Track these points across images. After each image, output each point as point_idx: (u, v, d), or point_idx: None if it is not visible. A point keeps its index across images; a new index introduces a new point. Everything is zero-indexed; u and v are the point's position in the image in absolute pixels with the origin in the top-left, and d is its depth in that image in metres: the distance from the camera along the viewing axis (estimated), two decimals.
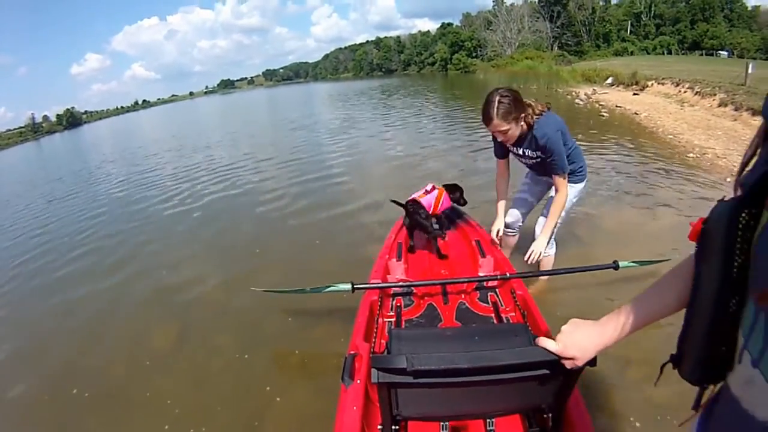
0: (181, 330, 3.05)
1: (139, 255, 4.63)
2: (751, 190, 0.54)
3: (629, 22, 46.21)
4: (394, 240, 2.79)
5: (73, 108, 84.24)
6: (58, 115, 79.33)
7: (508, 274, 2.20)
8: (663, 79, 14.43)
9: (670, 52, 40.06)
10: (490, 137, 2.61)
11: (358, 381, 1.45)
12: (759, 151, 0.54)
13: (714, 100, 9.88)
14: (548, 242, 2.60)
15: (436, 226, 2.86)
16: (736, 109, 8.61)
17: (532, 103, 2.30)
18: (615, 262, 2.46)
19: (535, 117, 2.28)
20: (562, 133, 2.31)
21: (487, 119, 2.22)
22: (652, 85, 14.64)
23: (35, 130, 70.92)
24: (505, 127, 2.21)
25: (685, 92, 11.90)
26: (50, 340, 3.26)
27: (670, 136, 7.43)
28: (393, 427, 1.15)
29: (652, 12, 45.11)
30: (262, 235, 4.70)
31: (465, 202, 2.96)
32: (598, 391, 1.98)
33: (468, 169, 6.27)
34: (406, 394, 1.05)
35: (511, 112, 2.17)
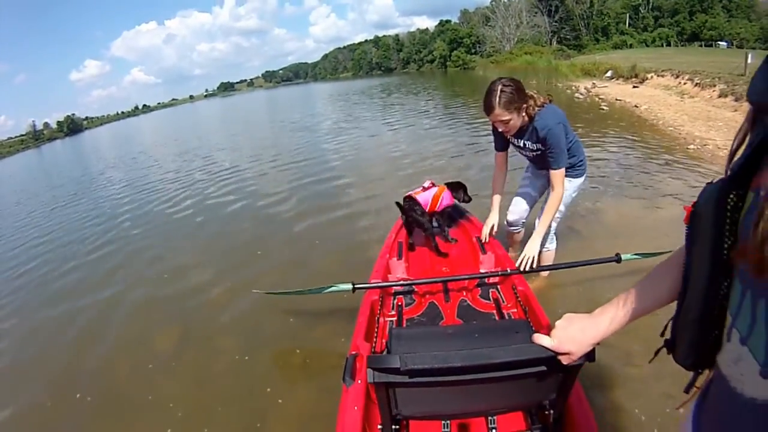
0: (183, 332, 3.05)
1: (141, 259, 4.64)
2: (738, 171, 0.54)
3: (628, 14, 46.03)
4: (395, 239, 2.77)
5: (73, 114, 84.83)
6: (58, 121, 79.86)
7: (509, 270, 2.19)
8: (662, 71, 14.36)
9: (669, 44, 39.87)
10: (491, 134, 2.60)
11: (359, 381, 1.44)
12: (748, 138, 0.54)
13: (714, 91, 9.83)
14: (546, 240, 2.58)
15: (435, 224, 2.84)
16: (736, 100, 8.56)
17: (534, 95, 2.28)
18: (617, 255, 2.44)
19: (536, 108, 2.25)
20: (563, 126, 2.28)
21: (488, 108, 2.20)
22: (651, 77, 14.57)
23: (36, 138, 71.33)
24: (506, 117, 2.19)
25: (684, 84, 11.84)
26: (53, 344, 3.27)
27: (671, 128, 7.39)
28: (394, 426, 1.15)
29: (651, 4, 44.93)
30: (263, 237, 4.70)
31: (469, 199, 2.89)
32: (600, 385, 1.97)
33: (468, 165, 6.26)
34: (405, 394, 1.04)
35: (513, 102, 2.16)
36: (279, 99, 46.58)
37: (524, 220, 2.85)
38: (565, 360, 0.86)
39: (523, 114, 2.25)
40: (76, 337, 3.29)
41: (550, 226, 2.57)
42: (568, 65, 25.81)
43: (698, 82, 11.09)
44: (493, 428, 1.32)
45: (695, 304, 0.63)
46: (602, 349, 0.86)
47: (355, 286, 2.20)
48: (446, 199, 2.75)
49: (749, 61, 11.36)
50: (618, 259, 2.44)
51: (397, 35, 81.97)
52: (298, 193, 6.13)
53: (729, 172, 0.57)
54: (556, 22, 47.91)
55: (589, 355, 0.86)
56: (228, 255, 4.34)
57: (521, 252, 2.33)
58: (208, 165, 9.79)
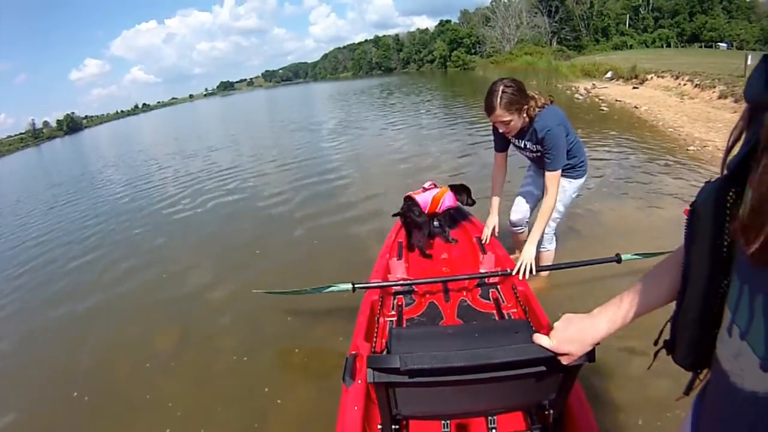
0: (182, 332, 3.05)
1: (140, 258, 4.64)
2: (736, 168, 0.54)
3: (628, 15, 46.04)
4: (395, 239, 2.77)
5: (73, 113, 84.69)
6: (58, 120, 79.71)
7: (509, 271, 2.18)
8: (662, 72, 14.37)
9: (669, 45, 39.91)
10: (491, 135, 2.60)
11: (359, 381, 1.44)
12: (744, 134, 0.54)
13: (714, 92, 9.83)
14: (544, 242, 2.58)
15: (436, 225, 2.84)
16: (736, 101, 8.56)
17: (536, 96, 2.27)
18: (617, 255, 2.44)
19: (537, 110, 2.25)
20: (564, 128, 2.27)
21: (489, 109, 2.19)
22: (651, 78, 14.57)
23: (36, 136, 71.24)
24: (507, 118, 2.19)
25: (684, 85, 11.85)
26: (51, 344, 3.27)
27: (671, 129, 7.40)
28: (393, 426, 1.14)
29: (651, 5, 44.94)
30: (263, 237, 4.70)
31: (473, 203, 2.88)
32: (600, 386, 1.97)
33: (469, 165, 6.26)
34: (405, 394, 1.04)
35: (514, 103, 2.15)
36: (279, 99, 46.55)
37: (527, 220, 2.82)
38: (565, 360, 0.87)
39: (524, 115, 2.24)
40: (74, 337, 3.28)
41: (548, 228, 2.57)
42: (568, 66, 25.81)
43: (698, 83, 11.10)
44: (492, 428, 1.32)
45: (695, 303, 0.64)
46: (602, 349, 0.86)
47: (355, 285, 2.19)
48: (448, 200, 2.72)
49: (749, 62, 11.37)
50: (618, 260, 2.43)
51: (397, 35, 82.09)
52: (299, 193, 6.13)
53: (726, 170, 0.57)
54: (556, 22, 47.91)
55: (589, 355, 0.86)
56: (228, 255, 4.34)
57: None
58: (208, 164, 9.78)
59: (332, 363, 2.30)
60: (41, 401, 2.59)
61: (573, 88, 15.44)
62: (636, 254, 2.53)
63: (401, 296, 2.23)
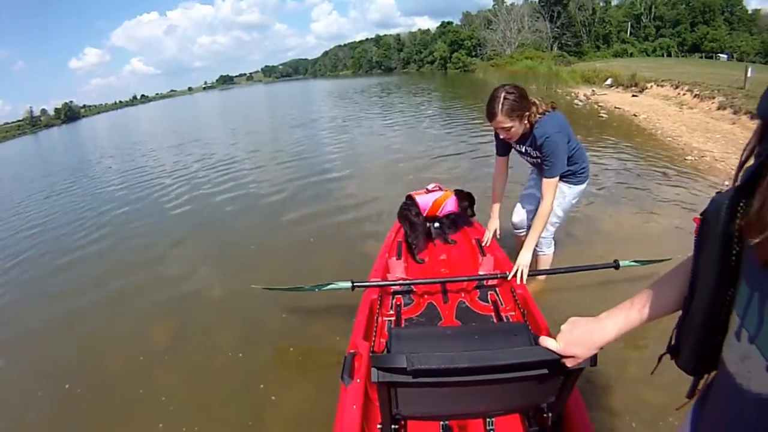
0: (178, 327, 3.04)
1: (137, 252, 4.61)
2: (749, 180, 0.56)
3: (629, 23, 46.20)
4: (394, 239, 2.78)
5: (71, 102, 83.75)
6: (56, 108, 78.86)
7: (507, 273, 2.19)
8: (662, 81, 14.44)
9: (669, 54, 40.10)
10: (492, 138, 2.60)
11: (358, 380, 1.44)
12: (756, 151, 0.56)
13: (713, 103, 9.90)
14: (542, 246, 2.59)
15: (436, 226, 2.84)
16: (734, 113, 8.63)
17: (538, 102, 2.27)
18: (615, 261, 2.46)
19: (538, 116, 2.25)
20: (565, 134, 2.27)
21: (491, 115, 2.20)
22: (651, 87, 14.64)
23: (33, 124, 70.56)
24: (508, 124, 2.19)
25: (684, 95, 11.92)
26: (42, 335, 3.23)
27: (669, 139, 7.44)
28: (393, 426, 1.15)
29: (653, 14, 45.09)
30: (262, 233, 4.69)
31: (473, 215, 2.87)
32: (597, 390, 1.99)
33: (466, 168, 6.27)
34: (406, 394, 1.04)
35: (515, 110, 2.15)
36: (278, 94, 46.42)
37: (529, 222, 2.81)
38: (569, 363, 0.87)
39: (525, 121, 2.25)
40: (66, 330, 3.25)
41: (547, 232, 2.58)
42: (569, 71, 25.87)
43: (697, 93, 11.16)
44: (491, 430, 1.33)
45: (701, 309, 0.65)
46: (600, 355, 0.87)
47: (355, 284, 2.19)
48: (450, 205, 2.72)
49: (749, 74, 11.42)
50: (616, 266, 2.45)
51: (398, 35, 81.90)
52: (298, 191, 6.11)
53: (738, 182, 0.58)
54: (557, 27, 47.96)
55: (592, 359, 0.87)
56: (226, 250, 4.33)
57: None
58: (207, 158, 9.73)
59: (329, 361, 2.30)
60: (32, 393, 2.55)
61: (573, 94, 15.49)
62: (634, 261, 2.55)
63: (400, 296, 2.23)
